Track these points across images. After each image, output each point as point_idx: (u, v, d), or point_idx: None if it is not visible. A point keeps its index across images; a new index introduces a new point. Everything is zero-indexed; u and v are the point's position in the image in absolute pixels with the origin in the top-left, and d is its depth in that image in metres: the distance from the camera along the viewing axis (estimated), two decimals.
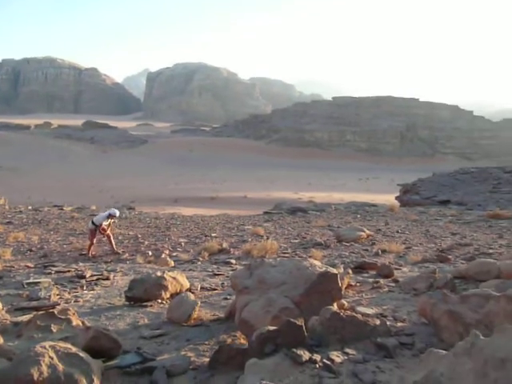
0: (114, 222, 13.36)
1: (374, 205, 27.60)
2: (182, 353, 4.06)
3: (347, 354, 3.33)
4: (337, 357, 3.25)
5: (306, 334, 3.44)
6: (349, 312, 3.93)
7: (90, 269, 9.18)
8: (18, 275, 8.57)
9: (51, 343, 3.17)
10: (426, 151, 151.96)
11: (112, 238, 12.32)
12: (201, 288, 7.07)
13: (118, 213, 12.78)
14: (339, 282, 4.51)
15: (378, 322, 3.78)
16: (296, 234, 14.74)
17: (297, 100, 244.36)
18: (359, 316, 3.76)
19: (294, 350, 3.21)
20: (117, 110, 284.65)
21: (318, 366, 3.11)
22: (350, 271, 7.38)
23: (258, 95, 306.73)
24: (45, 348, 3.06)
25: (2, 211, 23.26)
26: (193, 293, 6.46)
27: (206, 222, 19.12)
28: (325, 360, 3.17)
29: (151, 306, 6.01)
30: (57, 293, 6.86)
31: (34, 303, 6.23)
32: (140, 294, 6.12)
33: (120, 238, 14.41)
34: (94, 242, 11.99)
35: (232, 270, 8.42)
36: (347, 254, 10.79)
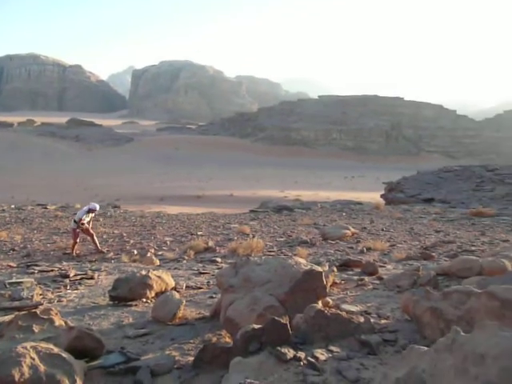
0: (94, 216, 13.00)
1: (359, 203, 27.78)
2: (167, 352, 4.04)
3: (331, 351, 3.34)
4: (321, 354, 3.26)
5: (290, 332, 3.45)
6: (333, 310, 3.94)
7: (73, 268, 9.09)
8: (0, 275, 8.43)
9: (33, 344, 3.13)
10: (411, 150, 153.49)
11: (95, 236, 12.17)
12: (186, 287, 7.05)
13: (97, 207, 12.51)
14: (324, 279, 4.53)
15: (362, 319, 3.81)
16: (282, 232, 14.77)
17: (283, 98, 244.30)
18: (344, 314, 3.78)
19: (279, 348, 3.21)
20: (102, 107, 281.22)
21: (302, 363, 3.11)
22: (335, 269, 7.44)
23: (244, 93, 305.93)
24: (26, 349, 3.02)
25: None
26: (178, 292, 6.43)
27: (191, 221, 19.04)
28: (309, 358, 3.18)
29: (136, 305, 5.96)
30: (40, 292, 6.77)
31: (16, 303, 6.14)
32: (124, 294, 6.08)
33: (105, 236, 14.27)
34: (78, 240, 11.85)
35: (218, 269, 8.41)
36: (332, 251, 10.86)
